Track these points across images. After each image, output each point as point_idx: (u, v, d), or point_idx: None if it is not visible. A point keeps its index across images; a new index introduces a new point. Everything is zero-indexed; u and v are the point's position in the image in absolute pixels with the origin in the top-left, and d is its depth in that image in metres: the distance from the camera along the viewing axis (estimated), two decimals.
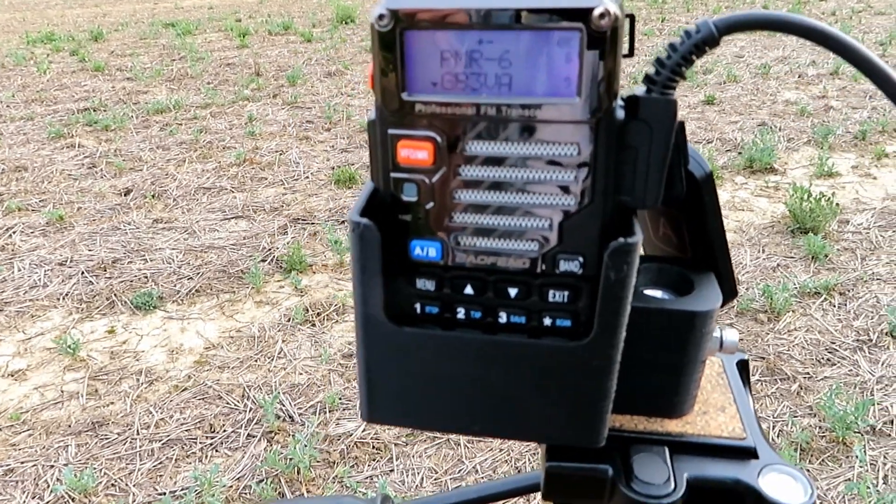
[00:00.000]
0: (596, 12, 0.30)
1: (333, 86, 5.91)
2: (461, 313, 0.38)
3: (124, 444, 2.11)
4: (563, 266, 0.36)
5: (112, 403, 2.29)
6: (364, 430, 2.14)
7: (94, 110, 5.28)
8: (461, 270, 0.37)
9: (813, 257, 3.02)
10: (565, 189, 0.34)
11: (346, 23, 8.68)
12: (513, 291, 0.37)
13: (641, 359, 0.41)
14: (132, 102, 5.51)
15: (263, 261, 3.11)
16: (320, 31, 8.24)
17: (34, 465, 2.04)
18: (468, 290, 0.38)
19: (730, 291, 0.44)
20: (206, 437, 2.13)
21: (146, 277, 3.00)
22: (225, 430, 2.16)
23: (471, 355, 0.38)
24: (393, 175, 0.36)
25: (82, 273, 3.04)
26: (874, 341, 2.49)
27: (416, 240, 0.37)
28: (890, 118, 4.68)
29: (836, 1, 9.40)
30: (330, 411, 2.22)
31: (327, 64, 6.67)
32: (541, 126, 0.33)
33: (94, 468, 2.00)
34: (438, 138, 0.34)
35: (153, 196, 3.80)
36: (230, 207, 3.66)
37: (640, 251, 0.35)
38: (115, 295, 2.88)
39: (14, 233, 3.40)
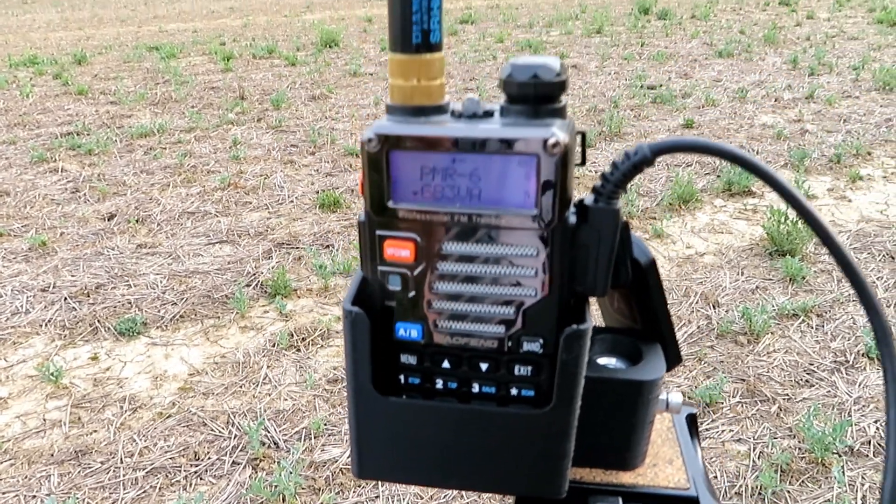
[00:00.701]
0: (549, 142, 0.36)
1: (318, 109, 5.95)
2: (440, 384, 0.44)
3: (108, 472, 2.10)
4: (526, 346, 0.42)
5: (95, 431, 2.27)
6: (349, 457, 2.14)
7: (78, 134, 5.27)
8: (439, 348, 0.43)
9: (791, 279, 3.07)
10: (527, 283, 0.40)
11: (330, 46, 8.75)
12: (484, 366, 0.43)
13: (597, 420, 0.47)
14: (116, 126, 5.51)
15: (248, 286, 3.12)
16: (304, 55, 8.30)
17: (16, 496, 2.02)
18: (445, 364, 0.43)
19: (675, 358, 0.50)
20: (191, 465, 2.12)
21: (130, 303, 2.99)
22: (209, 458, 2.15)
23: (448, 420, 0.43)
24: (380, 268, 0.41)
25: (65, 299, 3.02)
26: (851, 362, 2.54)
27: (400, 322, 0.42)
28: (864, 142, 4.79)
29: (810, 26, 9.63)
30: (315, 437, 2.22)
31: (311, 87, 6.71)
32: (505, 231, 0.39)
33: (77, 498, 1.99)
34: (419, 239, 0.40)
35: (137, 221, 3.79)
36: (214, 232, 3.66)
37: (596, 327, 0.41)
38: (98, 321, 2.86)
39: None
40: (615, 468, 0.51)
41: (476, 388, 0.43)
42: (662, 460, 0.52)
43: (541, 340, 0.41)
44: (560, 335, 0.40)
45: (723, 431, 2.23)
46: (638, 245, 0.46)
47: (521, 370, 0.42)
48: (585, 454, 0.48)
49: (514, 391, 0.43)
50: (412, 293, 0.42)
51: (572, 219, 0.39)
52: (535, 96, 0.37)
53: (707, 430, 2.24)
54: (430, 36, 0.37)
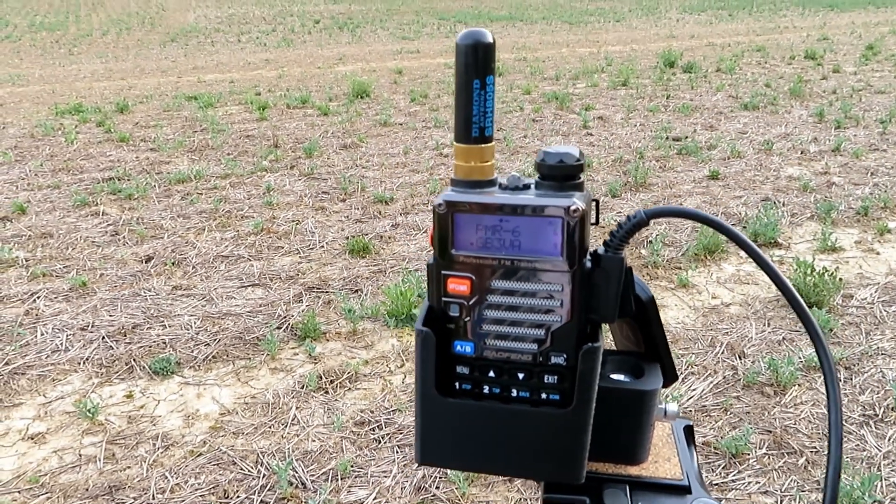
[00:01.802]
0: (571, 208, 0.49)
1: (349, 158, 6.11)
2: (486, 389, 0.55)
3: None
4: (554, 360, 0.53)
5: (129, 468, 2.33)
6: (375, 499, 2.17)
7: (119, 179, 5.48)
8: (487, 361, 0.54)
9: None
10: (554, 311, 0.51)
11: (361, 97, 9.00)
12: (521, 375, 0.54)
13: (609, 422, 0.58)
14: (155, 172, 5.72)
15: (279, 328, 3.19)
16: (336, 105, 8.55)
17: None
18: (491, 374, 0.54)
19: (671, 376, 0.61)
20: (220, 503, 2.16)
21: (164, 343, 3.08)
22: (238, 497, 2.19)
23: (492, 418, 0.54)
24: (443, 299, 0.54)
25: (103, 338, 3.12)
26: (880, 416, 2.52)
27: (457, 341, 0.54)
28: (892, 194, 4.79)
29: (836, 80, 9.69)
30: (342, 479, 2.25)
31: (343, 136, 6.90)
32: (538, 273, 0.51)
33: None
34: (473, 277, 0.53)
35: (173, 263, 3.92)
36: (247, 275, 3.76)
37: (609, 349, 0.53)
38: (134, 360, 2.95)
39: (38, 298, 3.51)
40: (624, 462, 0.62)
41: (514, 392, 0.55)
42: (662, 458, 0.63)
43: (565, 355, 0.53)
44: (579, 351, 0.51)
45: (749, 483, 2.21)
46: (640, 285, 0.57)
47: (549, 379, 0.54)
48: (600, 450, 0.58)
49: (543, 395, 0.54)
50: (467, 318, 0.54)
51: (588, 264, 0.51)
52: (561, 175, 0.50)
53: (733, 481, 2.23)
54: (485, 131, 0.50)
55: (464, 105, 0.49)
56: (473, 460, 0.56)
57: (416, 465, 2.05)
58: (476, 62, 0.48)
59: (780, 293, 3.48)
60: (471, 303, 0.53)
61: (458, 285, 0.52)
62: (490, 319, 0.53)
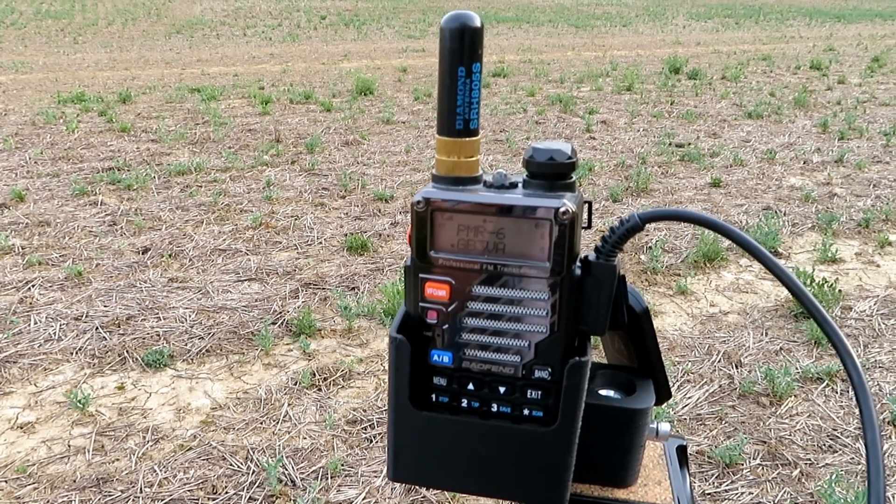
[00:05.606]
0: (560, 210, 0.45)
1: (350, 155, 6.10)
2: (464, 403, 0.51)
3: (127, 502, 2.13)
4: (538, 374, 0.49)
5: (117, 460, 2.31)
6: (364, 498, 2.15)
7: (118, 170, 5.46)
8: (466, 373, 0.51)
9: (815, 342, 3.05)
10: (540, 321, 0.48)
11: (365, 94, 8.98)
12: (502, 389, 0.50)
13: (597, 442, 0.54)
14: (155, 163, 5.70)
15: (273, 323, 3.17)
16: (340, 102, 8.52)
17: None
18: (470, 386, 0.51)
19: (665, 394, 0.57)
20: (209, 499, 2.15)
21: (158, 335, 3.06)
22: (227, 492, 2.17)
23: (470, 434, 0.51)
24: (421, 304, 0.50)
25: (96, 329, 3.10)
26: None
27: (434, 350, 0.51)
28: (893, 207, 4.77)
29: (840, 91, 9.67)
30: (332, 477, 2.24)
31: (345, 133, 6.88)
32: (524, 279, 0.47)
33: None
34: (453, 282, 0.48)
35: (170, 255, 3.90)
36: (244, 270, 3.74)
37: (598, 363, 0.48)
38: (126, 351, 2.93)
39: (33, 286, 3.49)
40: (611, 485, 0.58)
41: (495, 407, 0.51)
42: (652, 481, 0.59)
43: (549, 369, 0.49)
44: (565, 365, 0.48)
45: (742, 494, 2.20)
46: (634, 295, 0.53)
47: (532, 394, 0.50)
48: (586, 472, 0.55)
49: (526, 411, 0.51)
50: (446, 326, 0.50)
51: (578, 271, 0.48)
52: (551, 174, 0.47)
53: (726, 491, 2.21)
54: (470, 123, 0.46)
55: (447, 94, 0.45)
56: (449, 478, 0.53)
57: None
58: (462, 48, 0.44)
59: (781, 303, 3.42)
60: (450, 309, 0.49)
61: (437, 290, 0.49)
62: (470, 328, 0.49)
